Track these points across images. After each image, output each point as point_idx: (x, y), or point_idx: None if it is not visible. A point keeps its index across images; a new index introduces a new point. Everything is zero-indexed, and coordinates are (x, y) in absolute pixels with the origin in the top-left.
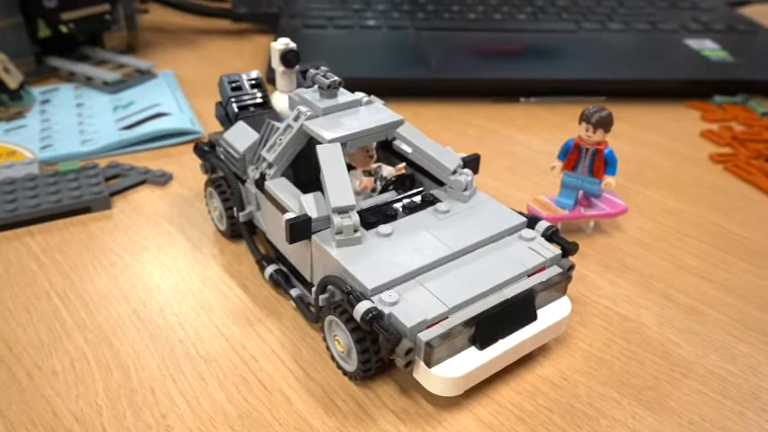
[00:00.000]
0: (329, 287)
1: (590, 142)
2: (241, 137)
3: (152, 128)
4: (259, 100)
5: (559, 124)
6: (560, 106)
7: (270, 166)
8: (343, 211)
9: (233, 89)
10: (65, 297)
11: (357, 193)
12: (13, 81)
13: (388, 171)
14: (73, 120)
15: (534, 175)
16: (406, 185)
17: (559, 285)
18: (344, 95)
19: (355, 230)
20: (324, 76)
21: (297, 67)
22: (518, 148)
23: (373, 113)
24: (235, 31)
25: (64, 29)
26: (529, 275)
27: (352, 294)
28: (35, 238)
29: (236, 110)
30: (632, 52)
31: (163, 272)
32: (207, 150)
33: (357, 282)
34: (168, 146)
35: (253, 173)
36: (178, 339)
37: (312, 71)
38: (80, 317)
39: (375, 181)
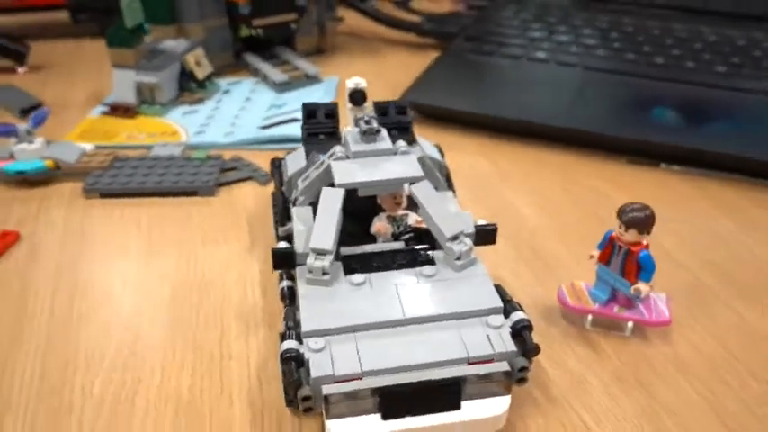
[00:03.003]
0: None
1: (623, 241)
2: (295, 161)
3: (279, 132)
4: (328, 129)
5: (692, 204)
6: (705, 182)
7: (301, 193)
8: (320, 252)
9: (308, 116)
10: (139, 263)
11: (377, 236)
12: (201, 73)
13: (413, 220)
14: (233, 112)
15: None
16: (424, 241)
17: (501, 383)
18: (383, 142)
19: (324, 273)
20: (367, 122)
21: (365, 104)
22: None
23: (398, 165)
24: (419, 44)
25: (254, 33)
26: (469, 363)
27: (291, 330)
28: (147, 209)
29: (306, 135)
30: None
31: (217, 264)
32: (276, 166)
33: (301, 320)
34: (285, 149)
35: (294, 196)
36: (193, 322)
37: (358, 115)
38: (137, 282)
39: (398, 227)
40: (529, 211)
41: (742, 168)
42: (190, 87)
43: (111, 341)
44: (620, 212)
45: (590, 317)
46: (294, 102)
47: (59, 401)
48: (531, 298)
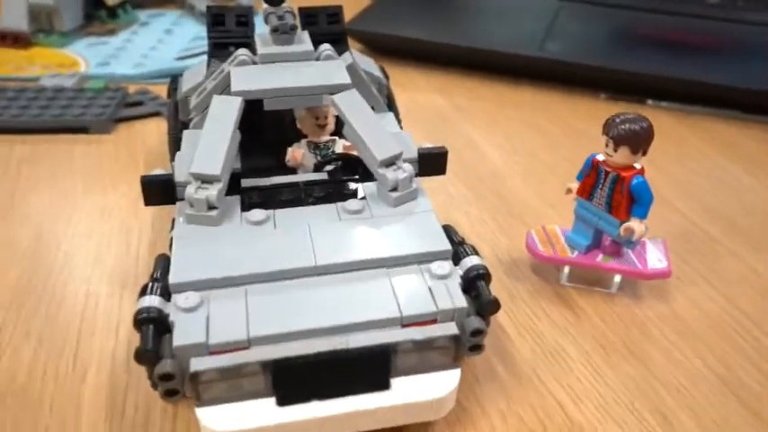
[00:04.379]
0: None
1: (610, 164)
2: (194, 76)
3: (196, 61)
4: (240, 39)
5: (686, 144)
6: (699, 118)
7: (195, 112)
8: (204, 179)
9: (214, 23)
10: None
11: (296, 167)
12: None
13: (341, 146)
14: (149, 44)
15: None
16: (359, 171)
17: (447, 351)
18: (301, 44)
19: (211, 207)
20: (280, 17)
21: (284, 5)
22: None
23: (317, 71)
24: None
25: None
26: (403, 325)
27: (156, 283)
28: (20, 147)
29: (212, 47)
30: None
31: (97, 211)
32: (174, 87)
33: (170, 269)
34: None
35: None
36: (51, 282)
37: (269, 8)
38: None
39: (322, 156)
40: (492, 151)
41: (737, 102)
42: (99, 16)
43: None
44: (608, 125)
45: (567, 269)
46: None
47: None
48: (493, 249)
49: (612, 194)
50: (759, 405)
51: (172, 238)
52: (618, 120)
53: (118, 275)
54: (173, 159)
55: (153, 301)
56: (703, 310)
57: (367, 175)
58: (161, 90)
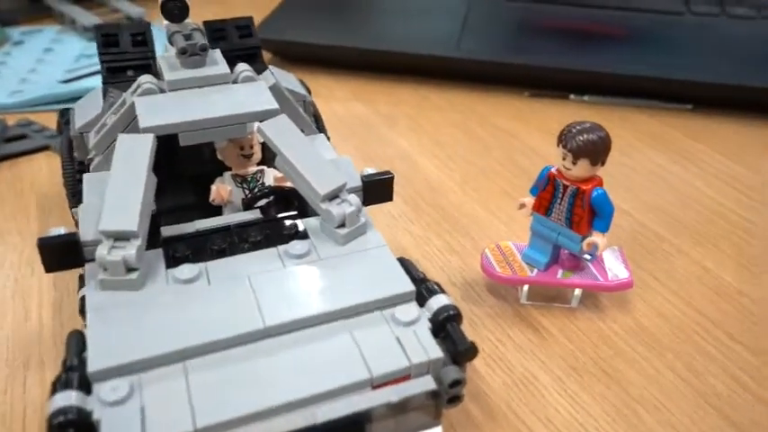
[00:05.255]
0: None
1: (569, 177)
2: (88, 108)
3: (86, 85)
4: (140, 61)
5: (615, 138)
6: (622, 110)
7: (95, 152)
8: (118, 236)
9: (106, 44)
10: None
11: (224, 205)
12: None
13: (272, 178)
14: (27, 66)
15: None
16: (296, 205)
17: (426, 409)
18: (214, 66)
19: (130, 269)
20: (187, 36)
21: (188, 21)
22: (535, 163)
23: (237, 96)
24: None
25: None
26: (374, 387)
27: (72, 372)
28: None
29: (107, 73)
30: (753, 49)
31: None
32: (65, 121)
33: (88, 353)
34: None
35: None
36: None
37: (172, 27)
38: None
39: (244, 191)
40: (425, 160)
41: (656, 92)
42: None
43: None
44: (565, 137)
45: (526, 287)
46: None
47: None
48: (444, 270)
49: (573, 209)
50: (733, 412)
51: (83, 300)
52: (574, 130)
53: (17, 351)
54: (72, 206)
55: (69, 398)
56: (664, 315)
57: (306, 208)
58: (47, 119)
